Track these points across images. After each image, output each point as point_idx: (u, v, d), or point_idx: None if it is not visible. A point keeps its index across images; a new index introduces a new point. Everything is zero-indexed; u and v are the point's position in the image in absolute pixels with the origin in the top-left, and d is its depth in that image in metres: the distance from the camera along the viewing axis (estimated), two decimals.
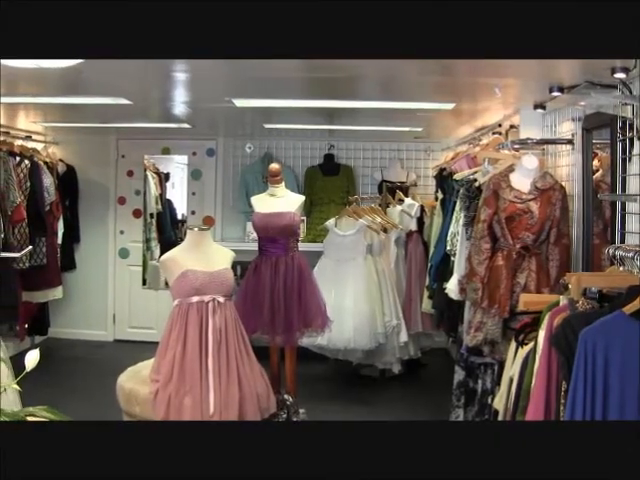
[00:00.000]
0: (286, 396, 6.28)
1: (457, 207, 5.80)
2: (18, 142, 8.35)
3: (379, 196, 8.78)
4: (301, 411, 6.31)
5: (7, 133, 8.18)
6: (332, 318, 6.33)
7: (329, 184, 9.31)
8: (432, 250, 7.05)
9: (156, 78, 5.05)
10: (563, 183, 5.10)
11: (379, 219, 7.88)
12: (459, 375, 5.69)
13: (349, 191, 9.12)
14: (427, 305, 7.30)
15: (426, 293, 7.27)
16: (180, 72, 4.82)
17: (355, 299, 7.32)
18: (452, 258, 5.91)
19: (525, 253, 4.93)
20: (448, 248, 5.99)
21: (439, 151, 9.25)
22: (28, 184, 7.96)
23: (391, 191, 8.77)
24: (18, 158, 7.93)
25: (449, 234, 5.99)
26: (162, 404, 4.61)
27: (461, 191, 5.58)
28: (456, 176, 6.02)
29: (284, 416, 6.13)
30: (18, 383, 2.64)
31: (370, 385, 7.87)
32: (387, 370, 7.89)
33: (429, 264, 7.10)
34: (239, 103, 6.00)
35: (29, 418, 2.57)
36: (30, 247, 6.55)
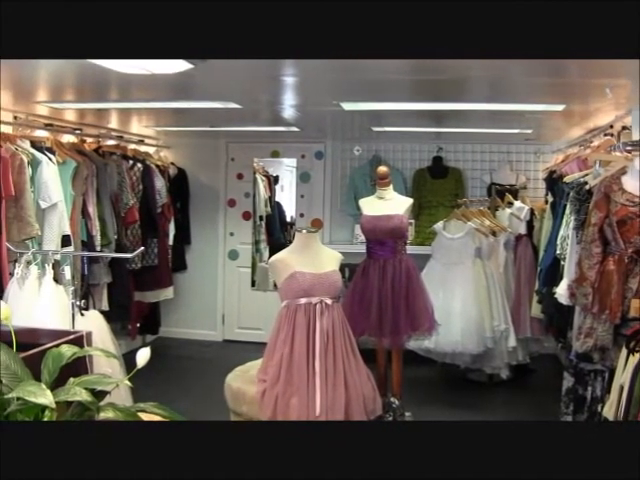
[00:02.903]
0: (392, 399, 6.29)
1: (567, 210, 5.70)
2: (131, 146, 8.57)
3: (488, 199, 8.66)
4: (407, 414, 6.30)
5: (121, 137, 8.40)
6: (440, 321, 6.29)
7: (437, 187, 9.26)
8: (542, 254, 6.95)
9: (265, 82, 5.10)
10: None
11: (488, 222, 7.81)
12: (568, 382, 5.60)
13: (458, 194, 9.04)
14: (536, 310, 7.22)
15: (535, 297, 7.18)
16: (288, 76, 4.87)
17: (463, 303, 7.26)
18: (562, 262, 5.81)
19: (637, 258, 4.80)
20: (558, 252, 5.90)
21: (549, 153, 9.08)
22: (141, 187, 8.16)
23: (500, 194, 8.65)
24: (131, 161, 8.13)
25: (559, 238, 5.90)
26: (269, 404, 4.66)
27: (571, 194, 5.48)
28: (566, 179, 5.92)
29: (390, 419, 6.14)
30: (130, 380, 2.71)
31: (477, 390, 7.79)
32: (495, 375, 7.78)
33: (538, 268, 7.01)
34: (347, 106, 6.02)
35: (140, 414, 2.63)
36: (142, 248, 6.68)
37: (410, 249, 6.74)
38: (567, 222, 5.69)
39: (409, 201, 6.51)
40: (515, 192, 8.79)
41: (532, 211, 8.01)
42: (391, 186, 6.43)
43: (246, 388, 4.98)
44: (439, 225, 7.74)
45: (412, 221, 8.74)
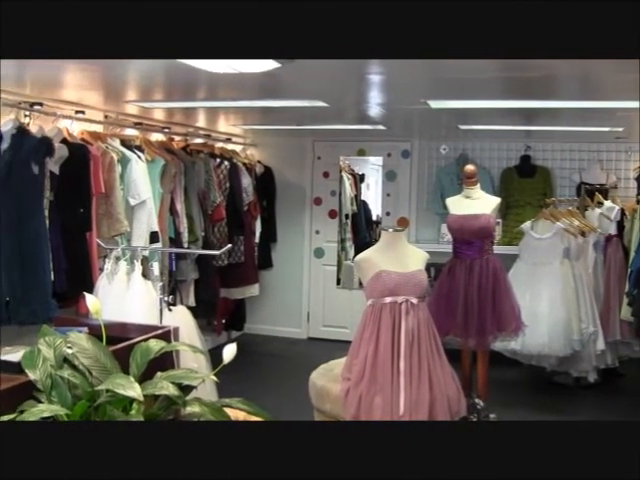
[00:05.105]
0: (477, 400, 6.24)
1: None
2: (218, 144, 8.68)
3: (577, 199, 8.53)
4: (491, 416, 6.24)
5: (208, 136, 8.52)
6: (526, 322, 6.22)
7: (525, 186, 9.15)
8: (632, 255, 6.83)
9: (352, 80, 5.10)
10: None
11: (577, 222, 7.68)
12: None
13: (546, 193, 8.91)
14: (626, 312, 7.08)
15: (625, 300, 7.05)
16: (375, 74, 4.85)
17: (550, 304, 7.16)
18: None
19: None
20: None
21: None
22: (227, 185, 8.25)
23: (590, 193, 8.50)
24: (218, 160, 8.24)
25: None
26: (353, 403, 4.65)
27: None
28: None
29: (474, 420, 6.09)
30: (216, 375, 2.74)
31: (563, 393, 7.66)
32: (582, 378, 7.65)
33: (629, 270, 6.88)
34: (434, 104, 5.98)
35: (225, 409, 2.66)
36: (230, 245, 6.77)
37: (497, 249, 6.68)
38: None
39: (497, 200, 6.45)
40: (605, 192, 8.62)
41: (623, 211, 7.86)
42: (478, 185, 6.38)
43: (330, 386, 4.99)
44: (527, 225, 7.65)
45: (499, 221, 8.64)
